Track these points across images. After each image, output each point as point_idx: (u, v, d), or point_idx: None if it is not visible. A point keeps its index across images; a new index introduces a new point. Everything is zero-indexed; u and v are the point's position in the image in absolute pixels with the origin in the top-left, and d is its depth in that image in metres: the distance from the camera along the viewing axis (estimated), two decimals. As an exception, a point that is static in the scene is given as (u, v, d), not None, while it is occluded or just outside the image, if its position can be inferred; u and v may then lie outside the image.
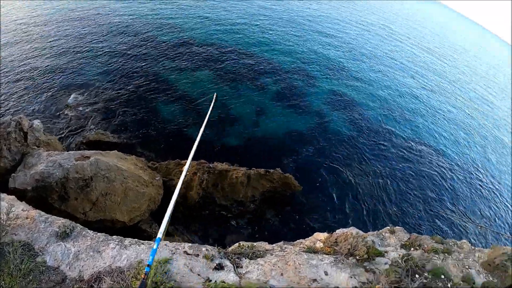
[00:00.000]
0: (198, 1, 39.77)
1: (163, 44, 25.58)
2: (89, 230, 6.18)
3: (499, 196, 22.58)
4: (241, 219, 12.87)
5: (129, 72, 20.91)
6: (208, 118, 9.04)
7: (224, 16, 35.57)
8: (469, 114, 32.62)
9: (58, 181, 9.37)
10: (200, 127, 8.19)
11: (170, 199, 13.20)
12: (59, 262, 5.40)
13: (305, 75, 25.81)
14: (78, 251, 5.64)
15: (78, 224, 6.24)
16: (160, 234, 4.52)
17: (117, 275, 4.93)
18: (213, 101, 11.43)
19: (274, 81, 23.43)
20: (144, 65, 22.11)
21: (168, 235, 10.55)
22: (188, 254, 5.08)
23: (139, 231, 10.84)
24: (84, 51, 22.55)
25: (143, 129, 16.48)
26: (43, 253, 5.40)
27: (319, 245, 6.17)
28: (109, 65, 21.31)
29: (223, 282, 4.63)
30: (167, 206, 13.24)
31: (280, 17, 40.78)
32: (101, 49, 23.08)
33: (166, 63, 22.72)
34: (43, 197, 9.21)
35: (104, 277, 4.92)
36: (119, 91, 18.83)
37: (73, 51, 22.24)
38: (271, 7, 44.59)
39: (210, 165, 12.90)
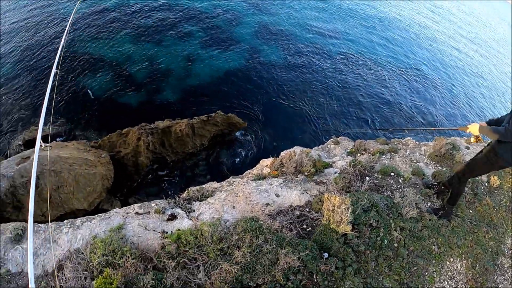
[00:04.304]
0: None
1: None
2: (40, 224, 6.05)
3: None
4: (197, 168, 13.11)
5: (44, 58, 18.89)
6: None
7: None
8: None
9: (6, 192, 8.90)
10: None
11: (123, 172, 12.89)
12: (21, 265, 5.30)
13: (228, 16, 24.84)
14: (36, 248, 5.56)
15: (24, 222, 6.09)
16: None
17: (76, 256, 4.95)
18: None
19: (198, 27, 22.52)
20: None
21: (127, 204, 10.62)
22: (139, 214, 5.09)
23: (102, 212, 11.00)
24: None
25: (74, 112, 15.69)
26: (4, 263, 5.25)
27: (266, 170, 6.21)
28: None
29: (179, 230, 4.64)
30: (122, 179, 12.89)
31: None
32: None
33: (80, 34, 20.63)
34: (-3, 214, 8.79)
35: (65, 263, 4.98)
36: (36, 81, 17.20)
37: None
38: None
39: (152, 125, 12.63)
